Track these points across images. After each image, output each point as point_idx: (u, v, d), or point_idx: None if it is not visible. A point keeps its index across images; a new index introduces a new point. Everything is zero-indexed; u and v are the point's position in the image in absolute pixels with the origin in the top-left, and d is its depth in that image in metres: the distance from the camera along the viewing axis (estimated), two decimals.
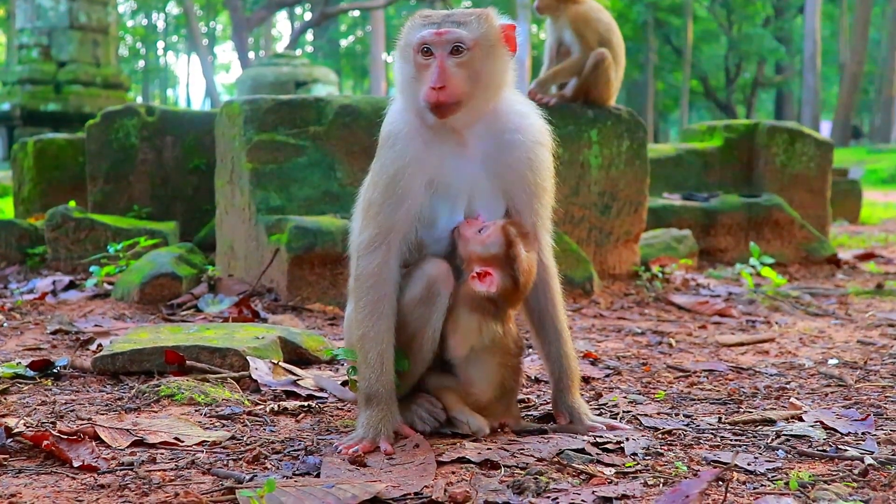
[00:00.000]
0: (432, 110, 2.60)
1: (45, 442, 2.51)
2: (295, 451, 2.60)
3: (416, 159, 2.66)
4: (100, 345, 4.08)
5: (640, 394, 3.35)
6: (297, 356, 3.86)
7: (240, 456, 2.54)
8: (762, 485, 2.30)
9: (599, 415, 2.99)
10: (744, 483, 2.31)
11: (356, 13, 48.66)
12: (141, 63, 66.56)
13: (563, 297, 2.96)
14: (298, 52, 34.96)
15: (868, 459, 2.47)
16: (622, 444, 2.63)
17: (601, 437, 2.70)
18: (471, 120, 2.69)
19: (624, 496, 2.21)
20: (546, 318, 2.88)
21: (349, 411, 3.08)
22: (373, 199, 2.69)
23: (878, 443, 2.67)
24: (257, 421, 2.94)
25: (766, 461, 2.48)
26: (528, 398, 3.22)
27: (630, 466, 2.44)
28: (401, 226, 2.67)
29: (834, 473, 2.38)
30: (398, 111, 2.76)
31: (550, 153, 2.83)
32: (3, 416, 2.90)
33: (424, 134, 2.69)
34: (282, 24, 70.84)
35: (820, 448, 2.62)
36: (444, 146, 2.69)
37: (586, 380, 3.56)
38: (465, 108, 2.63)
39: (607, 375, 3.67)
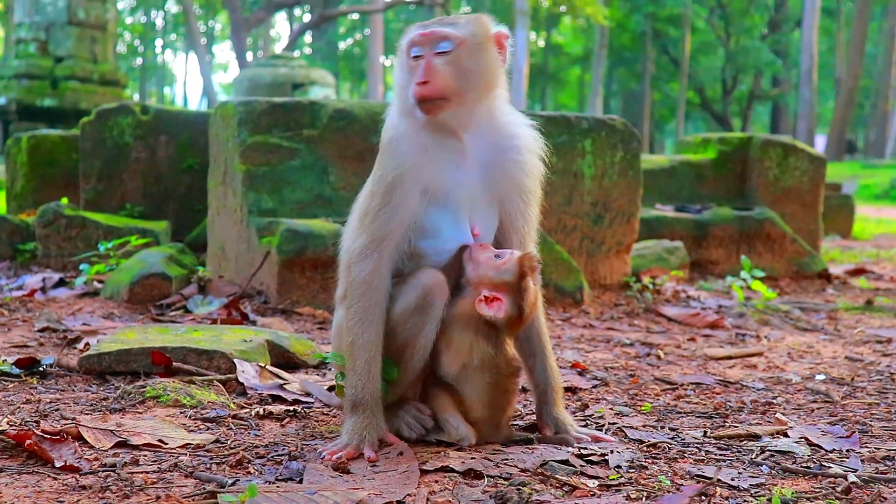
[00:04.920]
0: (419, 106, 2.64)
1: (28, 441, 2.49)
2: (279, 455, 2.59)
3: (415, 166, 2.66)
4: (87, 344, 4.07)
5: (626, 405, 3.35)
6: (285, 360, 3.85)
7: (223, 460, 2.53)
8: (745, 500, 2.30)
9: (585, 426, 2.98)
10: (727, 498, 2.31)
11: (355, 16, 48.69)
12: (139, 60, 66.54)
13: (546, 308, 2.96)
14: (296, 53, 34.95)
15: (851, 477, 2.47)
16: (606, 457, 2.62)
17: (586, 448, 2.70)
18: (465, 121, 2.71)
19: None
20: (530, 331, 2.88)
21: (335, 417, 3.07)
22: (369, 207, 2.69)
23: (863, 460, 2.67)
24: (242, 424, 2.93)
25: (750, 476, 2.48)
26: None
27: (614, 479, 2.44)
28: (395, 234, 2.67)
29: (817, 490, 2.38)
30: (396, 116, 2.77)
31: (541, 162, 2.86)
32: None
33: (424, 139, 2.70)
34: (280, 25, 70.93)
35: (804, 464, 2.62)
36: (443, 153, 2.70)
37: (573, 390, 3.56)
38: (455, 106, 2.67)
39: (594, 386, 3.67)
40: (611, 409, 3.28)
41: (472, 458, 2.55)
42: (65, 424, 2.77)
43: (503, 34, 2.74)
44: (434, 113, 2.66)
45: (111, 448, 2.62)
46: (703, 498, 2.29)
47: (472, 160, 2.73)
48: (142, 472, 2.39)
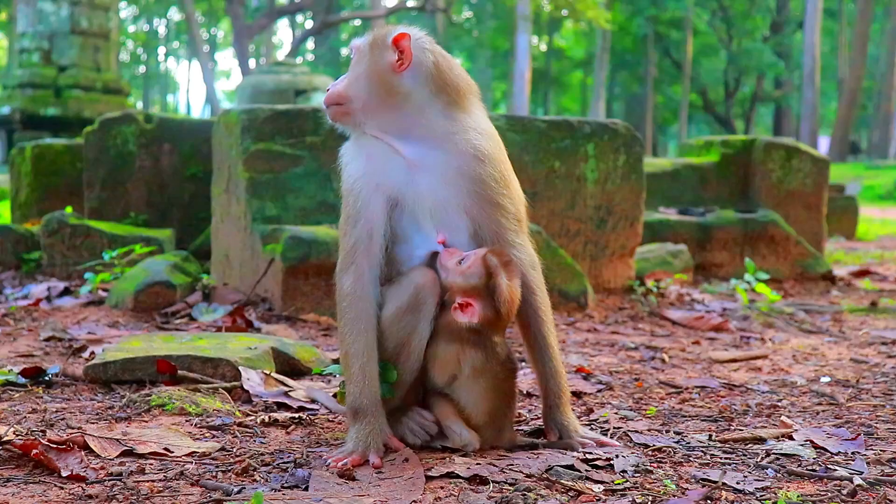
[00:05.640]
0: (326, 112, 2.82)
1: (35, 451, 2.50)
2: (284, 463, 2.59)
3: (364, 174, 2.73)
4: (92, 353, 4.08)
5: (631, 409, 3.35)
6: (290, 367, 3.86)
7: (229, 468, 2.53)
8: None
9: (590, 430, 2.98)
10: (732, 502, 2.31)
11: (357, 22, 48.77)
12: (142, 68, 66.68)
13: (552, 312, 2.90)
14: (299, 60, 34.99)
15: (857, 480, 2.47)
16: (612, 461, 2.62)
17: (591, 453, 2.70)
18: (386, 127, 2.74)
19: None
20: (533, 334, 2.86)
21: (340, 424, 3.08)
22: (340, 223, 2.80)
23: (868, 463, 2.67)
24: (247, 432, 2.94)
25: (756, 480, 2.48)
26: (519, 413, 3.22)
27: (619, 484, 2.44)
28: (364, 241, 2.71)
29: (823, 494, 2.38)
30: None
31: (498, 165, 2.78)
32: None
33: (369, 148, 2.77)
34: (283, 32, 71.01)
35: (809, 467, 2.62)
36: (386, 160, 2.74)
37: (578, 395, 3.56)
38: (355, 112, 2.76)
39: (599, 390, 3.67)
40: (616, 413, 3.28)
41: (478, 464, 2.55)
42: (71, 433, 2.78)
43: (400, 36, 2.70)
44: (336, 119, 2.81)
45: (117, 457, 2.63)
46: (709, 502, 2.30)
47: (417, 167, 2.73)
48: (148, 481, 2.40)
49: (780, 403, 3.49)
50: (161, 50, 70.48)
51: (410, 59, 2.71)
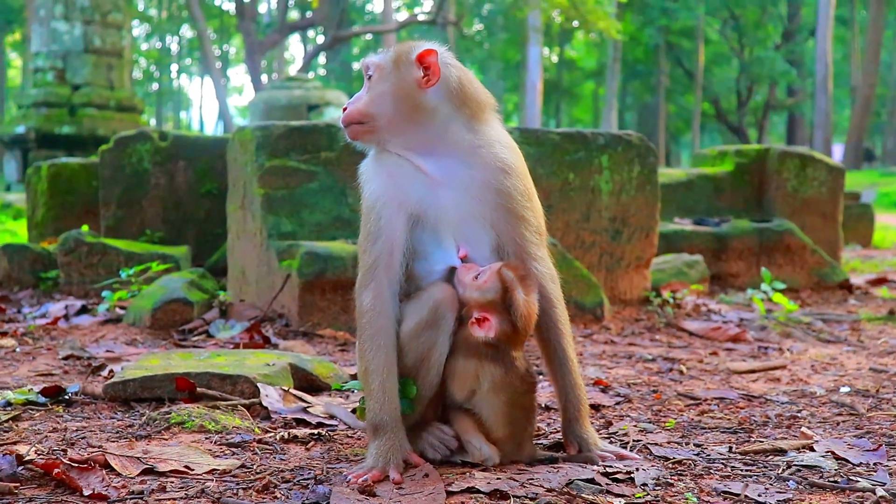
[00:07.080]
0: (345, 131, 2.81)
1: (56, 470, 2.51)
2: (304, 479, 2.60)
3: (387, 192, 2.74)
4: (111, 371, 4.10)
5: (650, 422, 3.34)
6: (308, 383, 3.86)
7: (249, 485, 2.54)
8: None
9: (610, 443, 2.98)
10: None
11: (369, 36, 48.94)
12: (155, 86, 67.05)
13: (569, 325, 2.90)
14: (311, 74, 35.15)
15: (879, 491, 2.46)
16: (632, 475, 2.62)
17: (611, 466, 2.70)
18: (409, 144, 2.75)
19: None
20: (552, 347, 2.86)
21: (359, 439, 3.08)
22: (360, 239, 2.80)
23: (890, 474, 2.66)
24: (267, 449, 2.94)
25: (777, 492, 2.47)
26: (538, 426, 3.21)
27: (640, 497, 2.43)
28: (384, 258, 2.71)
29: None
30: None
31: (522, 178, 2.81)
32: (15, 443, 2.92)
33: (390, 166, 2.77)
34: (294, 48, 71.31)
35: (831, 479, 2.61)
36: (409, 177, 2.74)
37: (597, 407, 3.55)
38: (377, 130, 2.77)
39: (618, 403, 3.67)
40: (635, 425, 3.27)
41: (498, 479, 2.55)
42: (92, 452, 2.79)
43: (426, 53, 2.72)
44: (356, 137, 2.81)
45: (138, 475, 2.63)
46: None
47: (440, 182, 2.74)
48: (169, 499, 2.41)
49: (799, 414, 3.47)
50: (174, 67, 70.84)
51: (438, 75, 2.72)
